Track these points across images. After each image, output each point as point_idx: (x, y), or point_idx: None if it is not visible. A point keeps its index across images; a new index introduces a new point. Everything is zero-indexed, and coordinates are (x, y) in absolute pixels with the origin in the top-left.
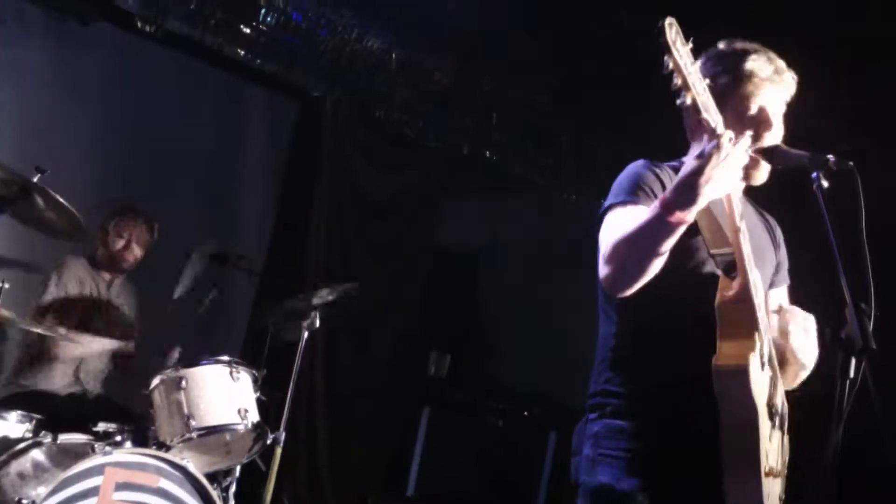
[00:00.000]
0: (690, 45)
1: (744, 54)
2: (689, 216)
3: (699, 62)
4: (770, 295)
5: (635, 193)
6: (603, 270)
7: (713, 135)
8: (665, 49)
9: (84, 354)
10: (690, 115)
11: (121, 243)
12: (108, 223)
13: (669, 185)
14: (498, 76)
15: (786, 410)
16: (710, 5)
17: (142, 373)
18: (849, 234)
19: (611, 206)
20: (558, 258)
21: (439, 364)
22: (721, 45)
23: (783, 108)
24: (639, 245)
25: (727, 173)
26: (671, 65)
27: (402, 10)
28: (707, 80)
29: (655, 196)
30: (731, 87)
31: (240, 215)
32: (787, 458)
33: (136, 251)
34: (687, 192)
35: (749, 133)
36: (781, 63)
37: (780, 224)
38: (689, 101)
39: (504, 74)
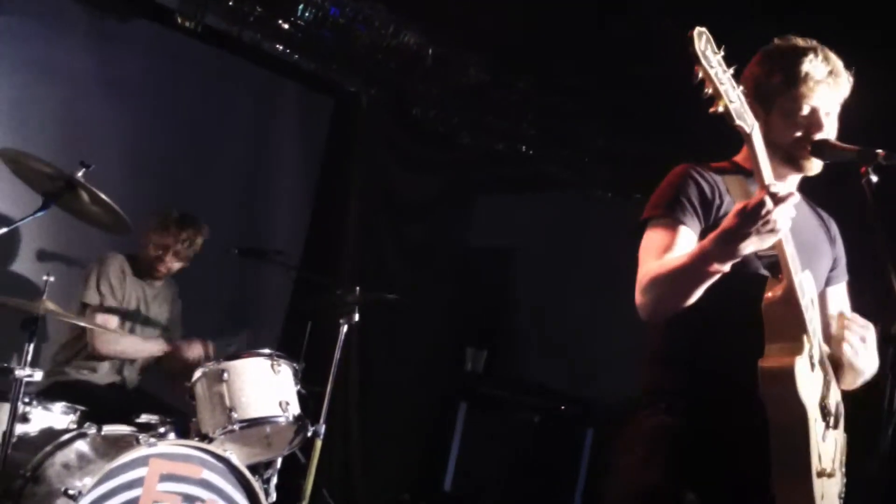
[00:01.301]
0: (722, 53)
1: (801, 54)
2: (727, 267)
3: (754, 61)
4: (828, 293)
5: (674, 208)
6: (638, 298)
7: (749, 142)
8: (694, 59)
9: (125, 355)
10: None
11: (157, 252)
12: (151, 229)
13: (710, 200)
14: (533, 74)
15: (841, 410)
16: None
17: (182, 370)
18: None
19: (650, 219)
20: (592, 255)
21: (476, 360)
22: (777, 42)
23: (837, 109)
24: (674, 286)
25: (769, 231)
26: (701, 74)
27: (438, 6)
28: (760, 76)
29: (694, 210)
30: (783, 86)
31: (276, 210)
32: (843, 458)
33: (172, 264)
34: (725, 247)
35: (795, 193)
36: (838, 64)
37: (836, 219)
38: (721, 109)
39: (539, 73)
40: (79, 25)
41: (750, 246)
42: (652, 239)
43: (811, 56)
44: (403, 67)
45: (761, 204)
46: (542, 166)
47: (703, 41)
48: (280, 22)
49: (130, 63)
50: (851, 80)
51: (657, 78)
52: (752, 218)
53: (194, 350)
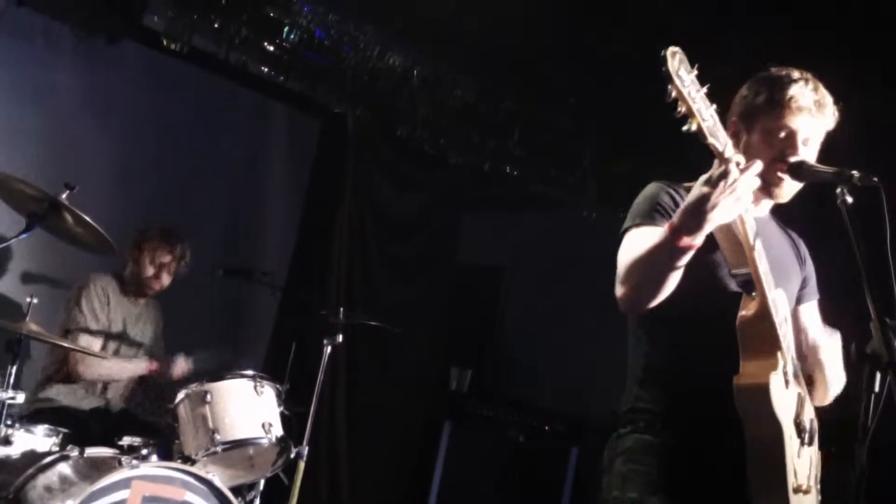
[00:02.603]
0: (695, 72)
1: (789, 80)
2: (697, 240)
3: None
4: (800, 311)
5: (651, 215)
6: (618, 290)
7: (722, 159)
8: (667, 79)
9: (109, 378)
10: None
11: (151, 271)
12: (143, 244)
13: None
14: (519, 94)
15: (815, 427)
16: (736, 25)
17: (165, 390)
18: (874, 249)
19: (627, 229)
20: (579, 275)
21: (461, 379)
22: (773, 69)
23: (821, 138)
24: (650, 267)
25: (734, 200)
26: (674, 93)
27: (424, 28)
28: (748, 96)
29: (669, 215)
30: (767, 106)
31: (263, 231)
32: (818, 474)
33: (165, 280)
34: (693, 218)
35: (759, 161)
36: (827, 97)
37: (806, 239)
38: (694, 127)
39: (525, 92)
40: (65, 46)
41: (716, 215)
42: (628, 243)
43: (801, 84)
44: (390, 88)
45: (725, 171)
46: (528, 185)
47: (676, 61)
48: (266, 44)
49: (117, 85)
50: (838, 115)
51: (644, 96)
52: (716, 185)
53: (178, 367)
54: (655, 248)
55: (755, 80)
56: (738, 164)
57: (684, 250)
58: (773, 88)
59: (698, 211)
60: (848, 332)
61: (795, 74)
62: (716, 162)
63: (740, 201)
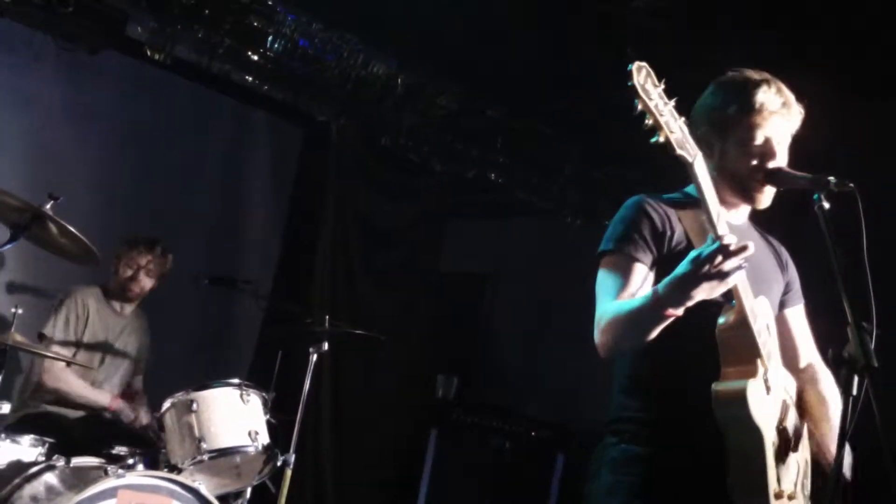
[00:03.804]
0: (662, 86)
1: (754, 86)
2: (680, 311)
3: (708, 92)
4: (787, 315)
5: (627, 243)
6: (597, 338)
7: (691, 173)
8: (633, 93)
9: (67, 395)
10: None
11: (128, 273)
12: (121, 248)
13: (662, 232)
14: (503, 102)
15: (802, 433)
16: (715, 37)
17: (149, 402)
18: (851, 254)
19: (603, 253)
20: (562, 282)
21: (446, 387)
22: (731, 73)
23: (789, 139)
24: (630, 328)
25: (719, 282)
26: (641, 106)
27: (408, 37)
28: (715, 106)
29: (646, 243)
30: (738, 116)
31: (246, 240)
32: (806, 480)
33: (145, 282)
34: (678, 294)
35: (751, 245)
36: (790, 96)
37: (785, 244)
38: (662, 139)
39: (509, 100)
40: (48, 56)
41: (701, 293)
42: (606, 276)
43: (764, 87)
44: (374, 97)
45: (714, 255)
46: (513, 193)
47: (642, 75)
48: (250, 53)
49: (100, 94)
50: (802, 112)
51: (627, 103)
52: (704, 267)
53: (141, 417)
54: (639, 311)
55: (718, 88)
56: (728, 247)
57: (667, 318)
58: (739, 95)
59: (684, 289)
60: (824, 335)
61: (756, 77)
62: (709, 238)
63: (726, 283)
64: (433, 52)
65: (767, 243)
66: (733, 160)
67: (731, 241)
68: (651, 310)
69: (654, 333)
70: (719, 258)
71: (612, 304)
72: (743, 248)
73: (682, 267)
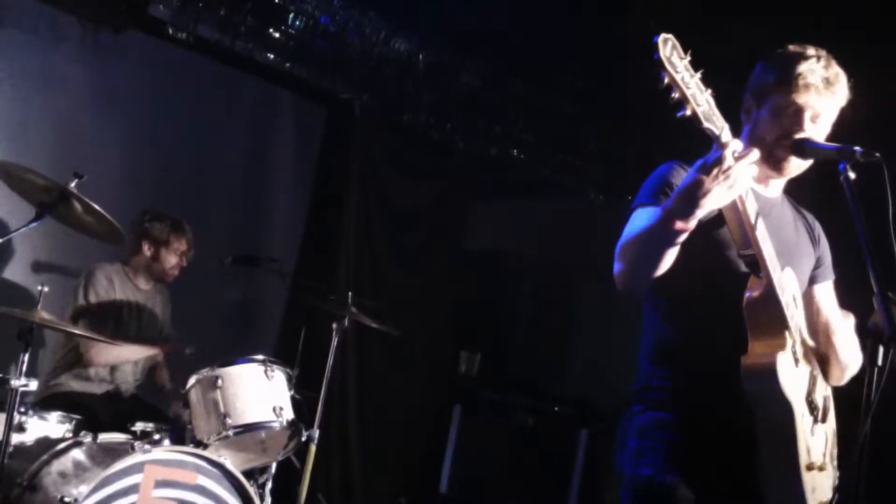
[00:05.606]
0: (689, 58)
1: (799, 57)
2: (690, 224)
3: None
4: (815, 290)
5: (656, 196)
6: (615, 269)
7: (719, 144)
8: (660, 66)
9: (118, 361)
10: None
11: (174, 261)
12: (159, 237)
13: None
14: (525, 78)
15: (830, 404)
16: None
17: (173, 377)
18: (877, 225)
19: (633, 209)
20: (587, 258)
21: (470, 363)
22: (789, 47)
23: (832, 116)
24: (644, 247)
25: (727, 188)
26: (667, 80)
27: (429, 13)
28: (760, 74)
29: None
30: (776, 83)
31: (271, 218)
32: (835, 451)
33: (181, 267)
34: (685, 203)
35: (755, 150)
36: (840, 74)
37: (818, 217)
38: (689, 112)
39: (531, 76)
40: (72, 37)
41: (710, 201)
42: (633, 220)
43: (812, 61)
44: (395, 74)
45: (721, 158)
46: (536, 170)
47: (668, 47)
48: (272, 31)
49: (124, 74)
50: (849, 93)
51: (652, 79)
52: (711, 171)
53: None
54: (649, 229)
55: (770, 58)
56: (734, 152)
57: (677, 233)
58: (783, 66)
59: (690, 196)
60: (850, 306)
61: (810, 52)
62: (714, 146)
63: (733, 189)
64: (454, 28)
65: (801, 216)
66: (762, 126)
67: (736, 146)
68: (661, 225)
69: (668, 258)
70: (728, 160)
71: (625, 232)
72: (749, 151)
73: (688, 175)
